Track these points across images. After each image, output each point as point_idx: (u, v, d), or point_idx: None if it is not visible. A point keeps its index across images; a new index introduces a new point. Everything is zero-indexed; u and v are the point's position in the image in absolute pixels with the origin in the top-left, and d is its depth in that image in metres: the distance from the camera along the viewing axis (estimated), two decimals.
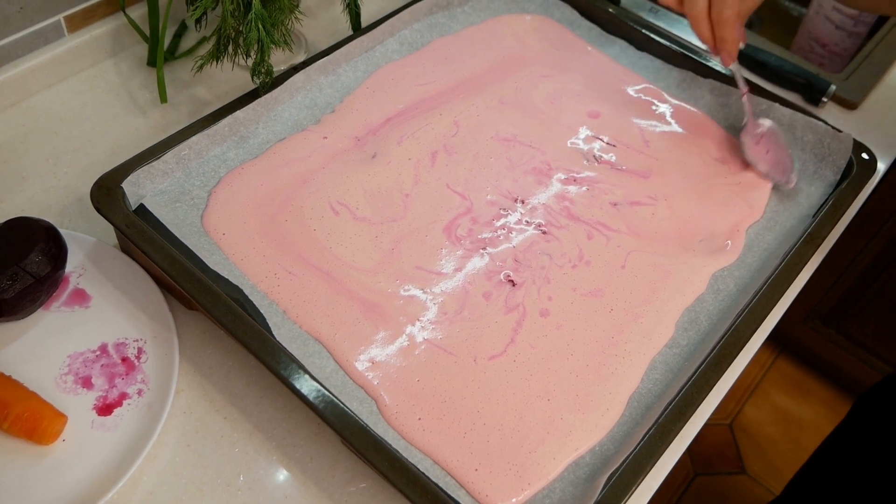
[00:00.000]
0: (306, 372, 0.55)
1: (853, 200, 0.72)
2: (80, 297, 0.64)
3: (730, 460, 1.54)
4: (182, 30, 0.87)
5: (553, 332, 0.63)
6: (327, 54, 0.77)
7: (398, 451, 0.54)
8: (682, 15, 0.73)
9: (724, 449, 1.55)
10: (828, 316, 1.52)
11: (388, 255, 0.66)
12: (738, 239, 0.71)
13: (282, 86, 0.73)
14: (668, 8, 0.72)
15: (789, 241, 0.69)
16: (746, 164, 0.77)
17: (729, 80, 0.80)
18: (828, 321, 1.53)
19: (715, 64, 0.82)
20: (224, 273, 0.63)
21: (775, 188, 0.75)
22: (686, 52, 0.83)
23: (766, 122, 0.77)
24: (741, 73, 0.77)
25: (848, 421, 0.92)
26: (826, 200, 0.73)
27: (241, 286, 0.62)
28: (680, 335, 0.64)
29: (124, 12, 0.82)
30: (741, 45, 0.73)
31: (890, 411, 0.85)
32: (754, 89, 0.79)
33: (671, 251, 0.69)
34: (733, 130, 0.80)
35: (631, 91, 0.83)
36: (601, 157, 0.76)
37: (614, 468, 0.53)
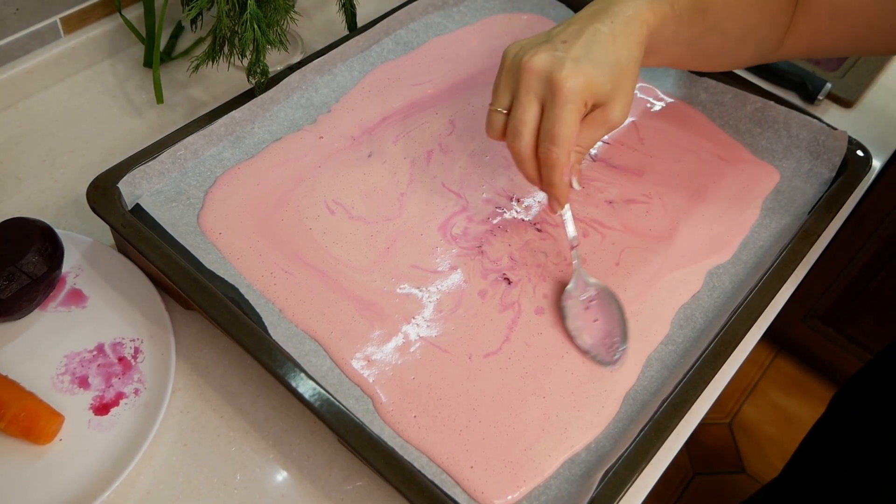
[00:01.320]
0: (302, 370, 0.55)
1: (848, 197, 0.72)
2: (77, 297, 0.64)
3: (729, 460, 1.54)
4: (178, 31, 0.87)
5: (548, 329, 0.63)
6: (323, 54, 0.77)
7: (394, 449, 0.54)
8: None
9: (724, 448, 1.55)
10: (826, 315, 1.53)
11: (383, 254, 0.66)
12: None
13: (277, 86, 0.73)
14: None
15: (785, 239, 0.69)
16: (744, 159, 0.76)
17: (727, 79, 0.80)
18: (826, 320, 1.54)
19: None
20: (220, 272, 0.63)
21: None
22: None
23: (597, 284, 0.64)
24: (572, 223, 0.63)
25: (829, 411, 0.92)
26: (821, 197, 0.73)
27: (237, 285, 0.62)
28: (675, 332, 0.64)
29: (120, 13, 0.82)
30: (576, 187, 0.59)
31: (868, 397, 0.85)
32: (751, 87, 0.79)
33: (666, 248, 0.69)
34: (729, 129, 0.79)
35: None
36: (596, 155, 0.77)
37: (609, 465, 0.54)
